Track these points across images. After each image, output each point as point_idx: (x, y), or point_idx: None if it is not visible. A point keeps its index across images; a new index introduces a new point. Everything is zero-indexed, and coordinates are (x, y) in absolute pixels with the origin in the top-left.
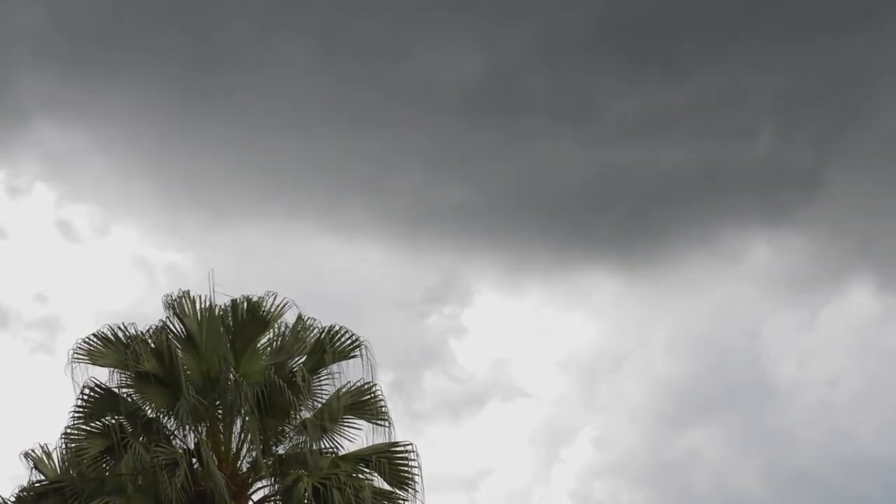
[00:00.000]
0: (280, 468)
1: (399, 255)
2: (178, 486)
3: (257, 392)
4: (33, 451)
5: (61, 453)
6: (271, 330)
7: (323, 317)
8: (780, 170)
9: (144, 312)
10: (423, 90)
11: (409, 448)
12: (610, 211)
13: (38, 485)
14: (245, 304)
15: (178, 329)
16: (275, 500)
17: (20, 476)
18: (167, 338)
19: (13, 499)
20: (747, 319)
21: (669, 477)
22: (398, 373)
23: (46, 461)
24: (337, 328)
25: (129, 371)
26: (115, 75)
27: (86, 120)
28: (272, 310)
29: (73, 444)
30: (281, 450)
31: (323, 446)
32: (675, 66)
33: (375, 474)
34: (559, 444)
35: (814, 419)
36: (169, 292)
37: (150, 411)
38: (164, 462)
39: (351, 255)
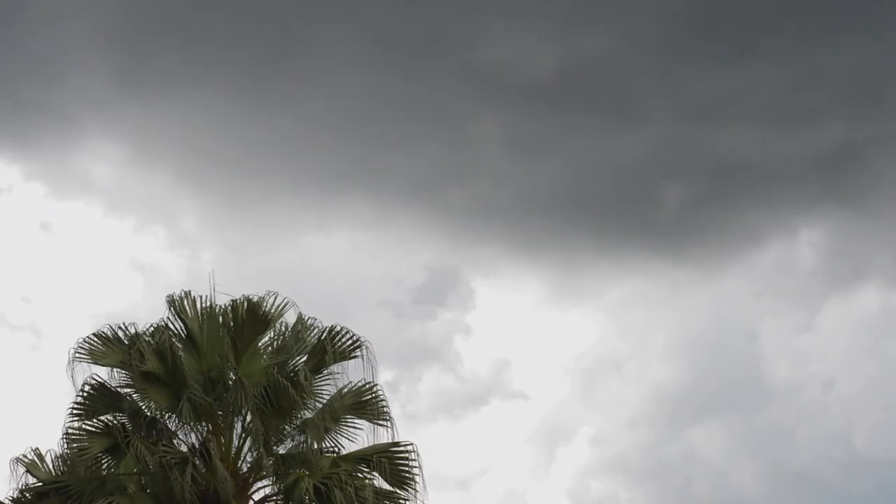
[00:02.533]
0: (281, 468)
1: (437, 253)
2: (188, 484)
3: (259, 392)
4: (25, 455)
5: (62, 453)
6: (272, 330)
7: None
8: (843, 158)
9: (137, 314)
10: (492, 81)
11: (409, 448)
12: (661, 205)
13: (38, 485)
14: (245, 303)
15: (179, 329)
16: (276, 500)
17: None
18: (169, 337)
19: (9, 500)
20: (755, 318)
21: (667, 477)
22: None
23: (39, 464)
24: (338, 328)
25: (130, 370)
26: (154, 76)
27: (126, 125)
28: (272, 310)
29: (75, 444)
30: (282, 449)
31: (324, 446)
32: (745, 50)
33: (376, 474)
34: (558, 444)
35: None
36: (169, 293)
37: (149, 411)
38: (173, 461)
39: (397, 257)
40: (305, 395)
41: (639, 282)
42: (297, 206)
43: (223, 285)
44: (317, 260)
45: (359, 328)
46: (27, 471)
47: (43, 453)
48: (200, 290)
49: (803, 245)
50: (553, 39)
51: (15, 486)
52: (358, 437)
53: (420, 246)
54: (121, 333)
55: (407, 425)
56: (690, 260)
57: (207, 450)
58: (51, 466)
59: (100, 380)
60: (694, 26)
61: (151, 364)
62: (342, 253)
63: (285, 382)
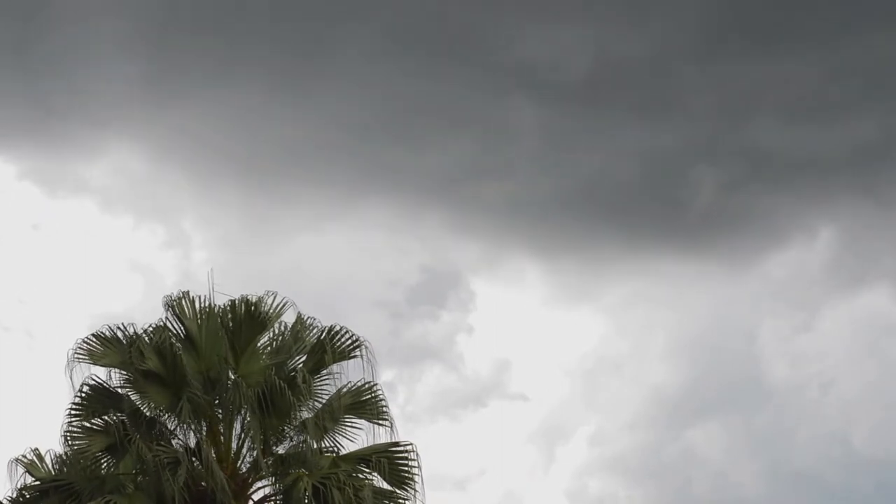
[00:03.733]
0: (280, 468)
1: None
2: (181, 484)
3: (257, 392)
4: (24, 456)
5: (61, 452)
6: (271, 330)
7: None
8: (876, 152)
9: (135, 314)
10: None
11: (409, 448)
12: (683, 204)
13: (38, 483)
14: (244, 304)
15: (178, 329)
16: (275, 500)
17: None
18: (168, 337)
19: (7, 500)
20: (756, 318)
21: (666, 476)
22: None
23: (39, 464)
24: (337, 328)
25: (129, 370)
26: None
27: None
28: (271, 310)
29: (75, 444)
30: (281, 449)
31: (323, 446)
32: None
33: (375, 474)
34: (557, 443)
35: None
36: (167, 293)
37: (148, 411)
38: (165, 461)
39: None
40: (302, 397)
41: (645, 282)
42: (303, 206)
43: (222, 285)
44: (315, 260)
45: (358, 328)
46: (27, 471)
47: (42, 454)
48: (200, 290)
49: (822, 242)
50: (586, 35)
51: (14, 486)
52: (357, 437)
53: (420, 246)
54: (119, 334)
55: (405, 425)
56: (714, 257)
57: (200, 450)
58: (50, 467)
59: (99, 380)
60: (729, 17)
61: (151, 364)
62: (342, 253)
63: (282, 384)
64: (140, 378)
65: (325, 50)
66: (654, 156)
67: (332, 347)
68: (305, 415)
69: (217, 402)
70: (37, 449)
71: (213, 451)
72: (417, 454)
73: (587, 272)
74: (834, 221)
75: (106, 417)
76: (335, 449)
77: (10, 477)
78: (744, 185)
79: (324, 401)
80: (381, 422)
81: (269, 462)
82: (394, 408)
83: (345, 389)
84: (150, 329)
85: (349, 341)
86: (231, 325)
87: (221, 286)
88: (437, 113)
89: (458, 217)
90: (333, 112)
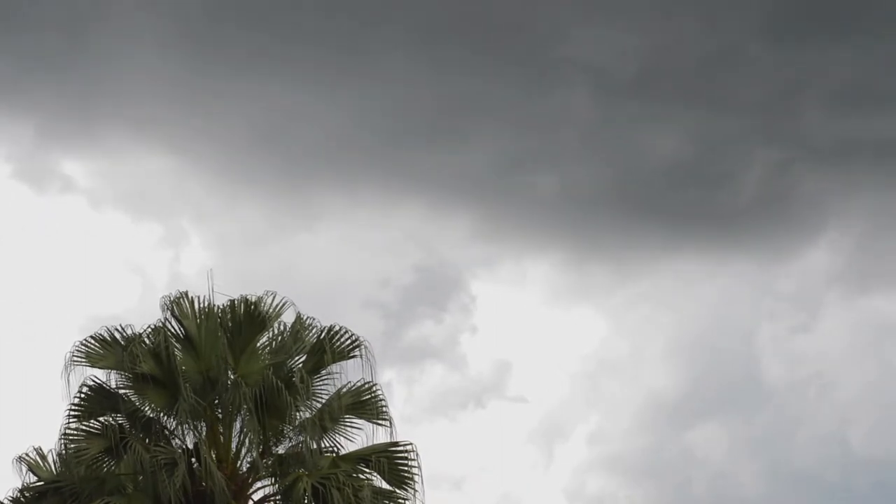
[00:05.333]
0: (280, 468)
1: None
2: (178, 485)
3: (256, 392)
4: (27, 454)
5: (59, 454)
6: (270, 330)
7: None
8: None
9: (134, 315)
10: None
11: (409, 448)
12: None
13: (36, 484)
14: (244, 304)
15: (177, 330)
16: (275, 500)
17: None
18: (165, 338)
19: (9, 500)
20: (755, 318)
21: (666, 476)
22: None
23: (41, 463)
24: (337, 328)
25: (127, 373)
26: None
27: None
28: (270, 310)
29: (73, 445)
30: (281, 450)
31: (323, 446)
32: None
33: (375, 474)
34: (556, 442)
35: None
36: (165, 294)
37: (149, 412)
38: (163, 462)
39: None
40: (300, 397)
41: (649, 281)
42: (308, 205)
43: (221, 286)
44: (314, 259)
45: (359, 328)
46: (30, 469)
47: (45, 453)
48: (199, 290)
49: (839, 240)
50: (633, 29)
51: (18, 484)
52: (357, 436)
53: (420, 246)
54: (118, 335)
55: (403, 426)
56: (738, 255)
57: (198, 450)
58: (52, 467)
59: (98, 381)
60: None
61: (147, 366)
62: (343, 252)
63: (280, 384)
64: (138, 379)
65: (357, 48)
66: (691, 150)
67: (331, 347)
68: (305, 415)
69: (217, 402)
70: (39, 448)
71: (212, 452)
72: (417, 454)
73: (612, 273)
74: (860, 217)
75: (104, 419)
76: (335, 449)
77: (20, 475)
78: (786, 175)
79: (323, 401)
80: (380, 422)
81: (269, 462)
82: (392, 408)
83: (344, 389)
84: (149, 330)
85: (348, 341)
86: (230, 325)
87: (220, 286)
88: (467, 110)
89: (472, 217)
90: (361, 112)
